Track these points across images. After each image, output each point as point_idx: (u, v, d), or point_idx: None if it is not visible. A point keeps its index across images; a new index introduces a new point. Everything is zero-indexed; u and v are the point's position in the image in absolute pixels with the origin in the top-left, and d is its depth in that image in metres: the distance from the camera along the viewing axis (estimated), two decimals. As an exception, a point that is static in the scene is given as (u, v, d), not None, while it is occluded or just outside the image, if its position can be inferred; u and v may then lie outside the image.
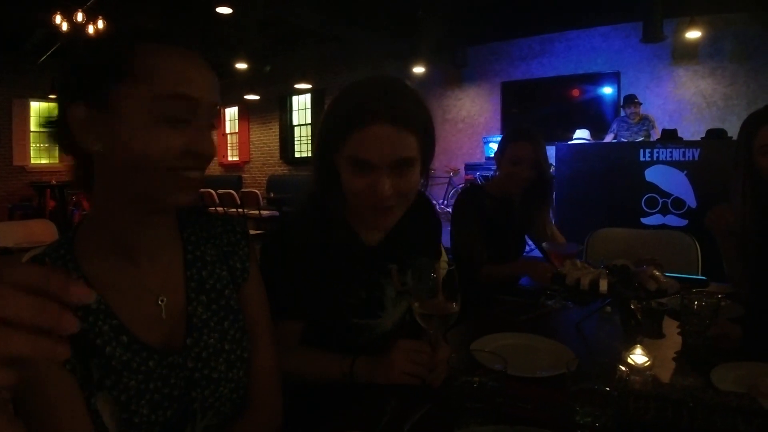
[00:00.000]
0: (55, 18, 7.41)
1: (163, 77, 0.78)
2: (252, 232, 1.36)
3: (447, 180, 9.79)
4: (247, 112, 12.99)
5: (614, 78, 8.50)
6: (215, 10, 6.94)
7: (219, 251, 1.02)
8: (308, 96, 11.94)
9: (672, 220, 5.52)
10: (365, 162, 1.08)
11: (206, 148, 0.82)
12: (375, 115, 1.06)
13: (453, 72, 10.00)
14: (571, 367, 0.90)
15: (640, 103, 7.07)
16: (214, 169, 13.76)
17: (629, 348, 1.15)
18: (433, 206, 1.50)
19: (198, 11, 7.46)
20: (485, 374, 0.93)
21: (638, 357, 1.11)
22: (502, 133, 9.27)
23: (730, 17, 7.37)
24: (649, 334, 1.50)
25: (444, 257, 1.55)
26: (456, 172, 9.64)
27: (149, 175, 0.79)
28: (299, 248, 1.22)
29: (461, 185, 9.11)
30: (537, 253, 2.67)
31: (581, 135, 7.43)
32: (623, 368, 1.10)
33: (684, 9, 6.92)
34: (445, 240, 2.42)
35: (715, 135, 5.58)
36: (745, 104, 7.29)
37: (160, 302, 0.91)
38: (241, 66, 9.55)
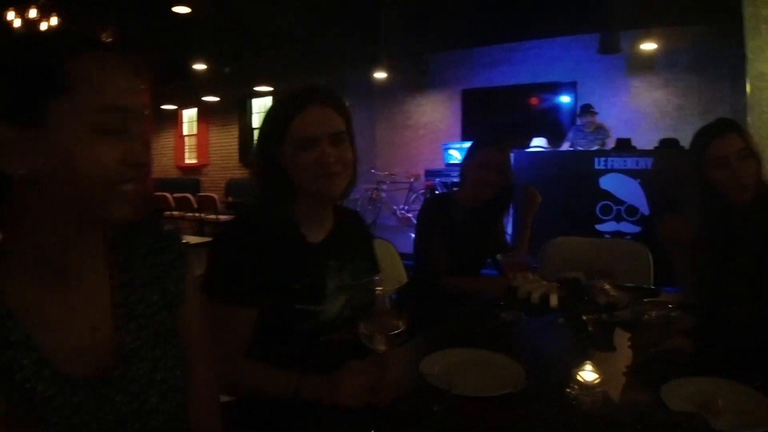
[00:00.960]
0: (7, 14, 7.10)
1: (102, 88, 0.74)
2: (205, 240, 1.36)
3: (408, 185, 9.80)
4: (206, 114, 12.70)
5: (572, 87, 8.68)
6: (172, 9, 6.78)
7: (152, 272, 0.95)
8: (269, 99, 11.79)
9: (626, 226, 5.65)
10: (310, 137, 1.27)
11: (144, 158, 0.80)
12: (310, 99, 1.30)
13: (415, 78, 10.02)
14: (518, 387, 0.87)
15: (596, 113, 7.21)
16: (170, 171, 13.43)
17: (579, 364, 1.13)
18: (366, 223, 1.63)
19: (154, 10, 7.27)
20: (431, 397, 0.89)
21: (588, 374, 1.09)
22: (462, 140, 9.35)
23: (685, 30, 7.58)
24: (600, 347, 1.49)
25: (403, 274, 1.52)
26: (417, 177, 9.65)
27: (89, 192, 0.74)
28: (249, 241, 1.27)
29: (422, 191, 9.13)
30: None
31: (538, 143, 7.54)
32: (574, 386, 1.09)
33: (640, 21, 7.08)
34: (409, 247, 2.40)
35: (668, 144, 5.73)
36: (698, 114, 7.50)
37: (86, 331, 0.84)
38: (200, 67, 9.37)
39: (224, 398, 1.34)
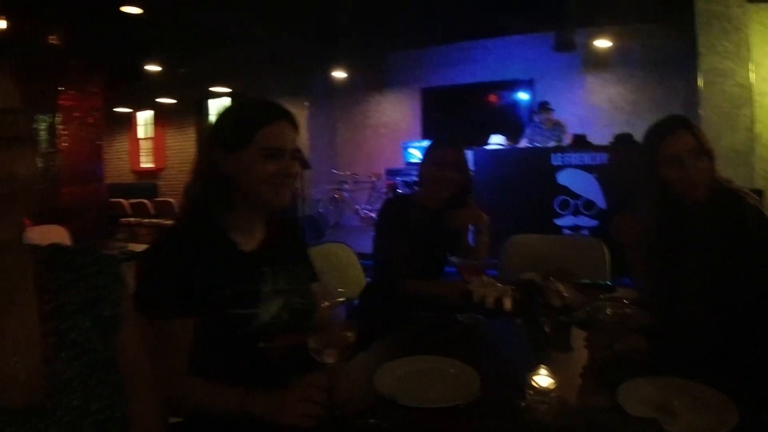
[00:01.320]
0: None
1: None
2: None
3: (370, 185, 9.76)
4: (162, 117, 12.39)
5: (529, 85, 8.80)
6: (121, 9, 6.56)
7: (84, 297, 0.89)
8: (227, 100, 11.58)
9: (583, 220, 5.75)
10: (277, 148, 1.33)
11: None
12: (279, 114, 1.37)
13: (374, 78, 10.00)
14: (468, 398, 0.84)
15: (553, 110, 7.31)
16: (126, 176, 13.07)
17: (535, 369, 1.11)
18: (302, 232, 1.65)
19: (104, 10, 7.03)
20: (381, 413, 0.86)
21: (542, 379, 1.07)
22: (422, 138, 9.37)
23: (638, 27, 7.75)
24: (557, 348, 1.49)
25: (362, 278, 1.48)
26: (379, 177, 9.62)
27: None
28: (178, 253, 1.25)
29: (384, 190, 9.11)
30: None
31: (497, 140, 7.60)
32: (529, 392, 1.07)
33: (594, 19, 7.21)
34: (368, 247, 2.37)
35: (622, 140, 5.84)
36: (652, 110, 7.66)
37: (15, 361, 0.79)
38: (154, 68, 9.14)
39: (173, 419, 1.30)
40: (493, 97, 9.14)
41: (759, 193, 4.35)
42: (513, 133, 7.94)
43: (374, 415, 0.88)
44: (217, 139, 1.35)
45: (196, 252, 1.25)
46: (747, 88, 5.58)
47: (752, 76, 5.61)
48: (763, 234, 1.60)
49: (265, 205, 1.37)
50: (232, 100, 11.12)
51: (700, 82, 5.73)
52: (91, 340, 0.87)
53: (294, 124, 1.40)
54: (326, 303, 1.09)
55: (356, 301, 2.40)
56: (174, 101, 11.34)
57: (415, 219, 2.29)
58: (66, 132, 6.62)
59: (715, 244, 1.64)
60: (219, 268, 1.28)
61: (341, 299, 1.03)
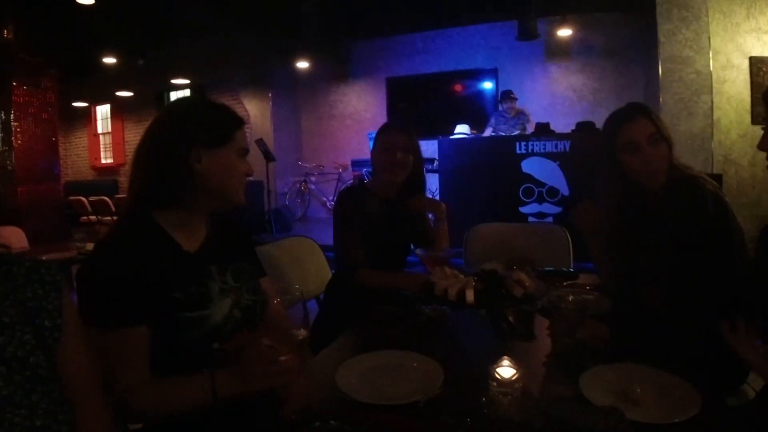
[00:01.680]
0: None
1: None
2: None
3: (337, 176, 9.70)
4: (120, 110, 12.06)
5: (493, 74, 8.82)
6: (76, 1, 6.33)
7: (22, 309, 0.85)
8: (187, 92, 11.34)
9: (547, 207, 5.82)
10: (246, 149, 1.37)
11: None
12: (242, 119, 1.39)
13: (338, 67, 9.90)
14: (427, 395, 0.81)
15: (516, 98, 7.36)
16: (85, 173, 12.72)
17: (498, 360, 1.10)
18: (247, 231, 1.62)
19: (57, 2, 6.77)
20: (342, 413, 0.83)
21: (505, 370, 1.06)
22: (388, 128, 9.30)
23: (600, 16, 7.87)
24: (520, 337, 1.48)
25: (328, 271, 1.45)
26: (345, 168, 9.57)
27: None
28: (121, 259, 1.18)
29: (350, 181, 9.06)
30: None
31: (461, 130, 7.63)
32: (492, 383, 1.05)
33: (556, 8, 7.27)
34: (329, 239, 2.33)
35: (584, 127, 5.91)
36: (613, 98, 7.80)
37: None
38: (111, 60, 8.88)
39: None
40: (457, 87, 9.15)
41: (718, 178, 4.45)
42: (477, 122, 7.98)
43: (335, 415, 0.85)
44: (196, 134, 1.28)
45: (141, 255, 1.20)
46: (706, 76, 5.70)
47: (711, 64, 5.74)
48: (719, 220, 1.61)
49: (228, 202, 1.34)
50: (192, 93, 10.95)
51: (660, 70, 5.83)
52: (32, 353, 0.83)
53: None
54: (278, 299, 1.06)
55: (322, 295, 2.37)
56: (132, 94, 11.04)
57: (370, 209, 2.23)
58: (20, 129, 6.37)
59: (672, 229, 1.65)
60: (166, 270, 1.23)
61: (293, 296, 1.00)
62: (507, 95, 7.35)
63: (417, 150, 2.29)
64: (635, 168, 1.73)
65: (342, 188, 2.40)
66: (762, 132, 1.42)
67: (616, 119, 1.80)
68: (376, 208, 2.24)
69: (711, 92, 5.72)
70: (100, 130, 12.67)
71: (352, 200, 2.26)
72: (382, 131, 2.30)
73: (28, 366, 0.82)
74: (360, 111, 10.01)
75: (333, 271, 2.37)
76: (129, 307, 1.14)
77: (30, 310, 0.86)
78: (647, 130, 1.71)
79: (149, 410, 1.12)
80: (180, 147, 1.27)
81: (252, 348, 1.09)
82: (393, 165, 2.20)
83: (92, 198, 9.27)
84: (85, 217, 9.36)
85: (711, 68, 5.72)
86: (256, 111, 9.85)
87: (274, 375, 1.06)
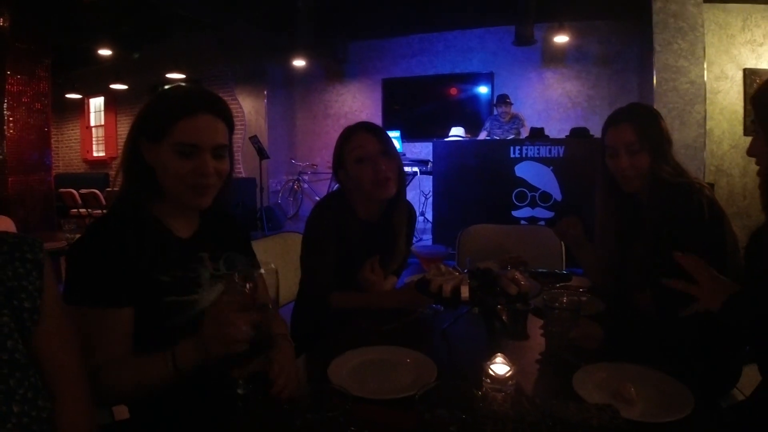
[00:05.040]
0: None
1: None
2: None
3: (329, 176, 9.67)
4: (114, 103, 11.97)
5: (489, 78, 8.85)
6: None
7: (1, 289, 0.82)
8: (182, 87, 11.29)
9: (540, 212, 5.84)
10: (193, 146, 1.20)
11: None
12: (200, 106, 1.21)
13: (334, 67, 9.89)
14: (422, 389, 0.81)
15: (512, 103, 7.38)
16: (77, 165, 12.62)
17: (491, 357, 1.09)
18: (242, 225, 1.54)
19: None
20: (335, 406, 0.83)
21: (499, 367, 1.05)
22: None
23: (596, 24, 7.92)
24: (514, 336, 1.48)
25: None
26: (338, 168, 9.53)
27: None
28: (111, 241, 1.17)
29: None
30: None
31: (456, 132, 7.64)
32: (486, 380, 1.05)
33: (554, 15, 7.31)
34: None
35: (578, 133, 5.94)
36: (607, 105, 7.86)
37: None
38: (106, 53, 8.81)
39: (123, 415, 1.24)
40: (453, 90, 9.18)
41: (710, 186, 4.47)
42: (472, 125, 8.02)
43: (328, 407, 0.84)
44: (139, 128, 1.24)
45: (131, 238, 1.17)
46: (700, 86, 5.75)
47: (705, 75, 5.79)
48: (714, 225, 1.62)
49: (182, 204, 1.27)
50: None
51: (655, 79, 5.87)
52: (9, 337, 0.81)
53: (223, 117, 1.26)
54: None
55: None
56: (126, 87, 10.97)
57: (351, 234, 1.90)
58: (12, 119, 6.31)
59: (663, 233, 1.66)
60: (155, 254, 1.21)
61: (270, 270, 1.00)
62: (502, 99, 7.37)
63: (396, 151, 1.92)
64: (613, 171, 1.79)
65: (318, 203, 1.98)
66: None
67: (607, 122, 1.83)
68: (359, 235, 1.91)
69: (704, 102, 5.77)
70: (92, 123, 12.57)
71: (330, 222, 1.89)
72: (347, 135, 1.90)
73: (5, 350, 0.80)
74: (355, 111, 10.00)
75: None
76: (114, 287, 1.13)
77: (9, 290, 0.83)
78: (626, 137, 1.72)
79: (117, 385, 1.09)
80: (128, 139, 1.25)
81: (208, 311, 1.04)
82: (383, 180, 1.82)
83: (83, 191, 9.17)
84: (75, 210, 9.25)
85: (705, 79, 5.77)
86: (250, 108, 9.82)
87: (229, 337, 0.97)
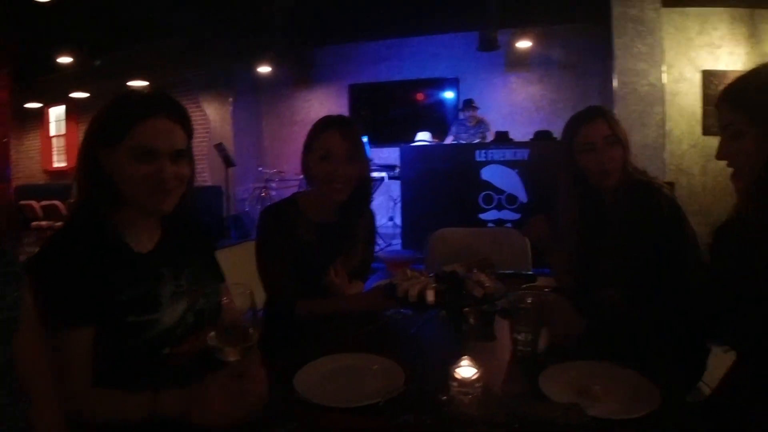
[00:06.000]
0: None
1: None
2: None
3: (298, 183, 9.60)
4: (75, 112, 11.68)
5: (454, 83, 8.95)
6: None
7: None
8: (146, 95, 11.09)
9: (506, 214, 5.92)
10: (151, 150, 1.17)
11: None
12: (157, 109, 1.18)
13: (301, 73, 9.83)
14: (387, 396, 0.80)
15: (477, 107, 7.46)
16: (37, 177, 12.25)
17: (458, 360, 1.10)
18: (207, 231, 1.51)
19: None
20: (300, 416, 0.82)
21: (465, 370, 1.05)
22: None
23: (558, 29, 8.06)
24: (481, 337, 1.49)
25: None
26: (306, 174, 9.47)
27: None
28: (68, 258, 1.13)
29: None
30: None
31: (423, 137, 7.71)
32: (453, 383, 1.05)
33: (517, 20, 7.42)
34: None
35: (542, 136, 6.05)
36: (570, 108, 7.94)
37: None
38: (66, 60, 8.61)
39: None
40: (419, 95, 9.25)
41: (670, 185, 4.58)
42: (439, 130, 8.07)
43: (294, 418, 0.83)
44: (94, 133, 1.20)
45: (88, 254, 1.13)
46: (659, 88, 5.90)
47: (664, 77, 5.94)
48: (673, 222, 1.67)
49: (143, 210, 1.23)
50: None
51: (615, 82, 6.01)
52: None
53: (181, 120, 1.23)
54: (227, 299, 1.03)
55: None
56: (88, 95, 10.73)
57: (301, 236, 1.83)
58: (-31, 129, 6.15)
59: (628, 231, 1.70)
60: (113, 272, 1.17)
61: (245, 294, 0.98)
62: (468, 104, 7.45)
63: (364, 157, 1.87)
64: (590, 167, 1.81)
65: (264, 209, 1.94)
66: (718, 142, 1.43)
67: (576, 120, 1.88)
68: (310, 236, 1.84)
69: (663, 104, 5.92)
70: (53, 133, 12.24)
71: (277, 225, 1.84)
72: (320, 130, 1.84)
73: None
74: (322, 117, 9.95)
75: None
76: (72, 307, 1.09)
77: None
78: (603, 131, 1.79)
79: (90, 419, 1.06)
80: (84, 147, 1.21)
81: (217, 380, 0.99)
82: (333, 179, 1.76)
83: (44, 203, 8.94)
84: (35, 223, 9.02)
85: (664, 81, 5.92)
86: (216, 115, 9.70)
87: (227, 416, 0.96)
